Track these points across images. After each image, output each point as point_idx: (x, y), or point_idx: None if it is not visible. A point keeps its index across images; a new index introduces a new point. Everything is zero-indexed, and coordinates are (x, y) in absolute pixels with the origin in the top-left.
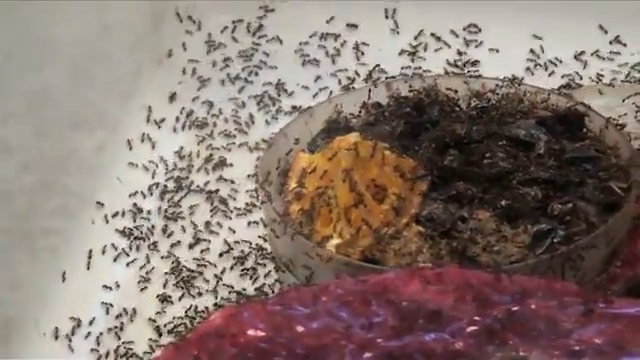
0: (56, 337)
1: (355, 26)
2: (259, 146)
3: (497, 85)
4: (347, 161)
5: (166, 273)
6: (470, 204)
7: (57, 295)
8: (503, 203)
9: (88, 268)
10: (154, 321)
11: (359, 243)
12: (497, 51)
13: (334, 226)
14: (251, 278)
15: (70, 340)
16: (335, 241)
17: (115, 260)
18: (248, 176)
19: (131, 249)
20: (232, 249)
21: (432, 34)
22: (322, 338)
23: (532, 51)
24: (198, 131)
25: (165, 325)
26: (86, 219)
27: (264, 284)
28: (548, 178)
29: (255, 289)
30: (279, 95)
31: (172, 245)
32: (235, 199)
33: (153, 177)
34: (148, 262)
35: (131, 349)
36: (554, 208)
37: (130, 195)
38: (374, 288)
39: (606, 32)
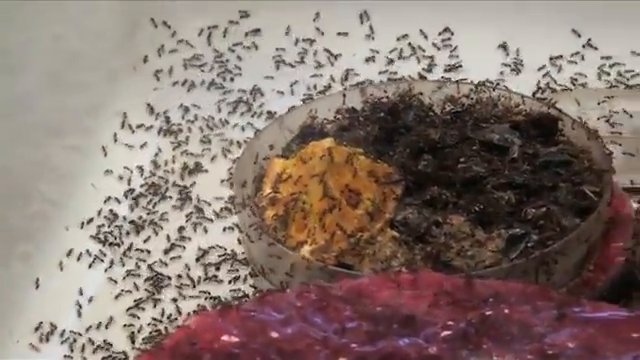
0: (30, 344)
1: (330, 31)
2: (234, 152)
3: (471, 90)
4: (321, 166)
5: (141, 279)
6: (444, 209)
7: (31, 301)
8: (477, 208)
9: (62, 274)
10: (129, 327)
11: (333, 248)
12: (471, 55)
13: (308, 231)
14: (226, 283)
15: (44, 347)
16: (309, 246)
17: (90, 266)
18: (223, 181)
19: (105, 255)
20: (207, 254)
21: (406, 39)
22: (296, 343)
23: (506, 55)
24: (173, 137)
25: (140, 331)
26: (60, 225)
27: (239, 290)
28: (522, 182)
29: (230, 295)
30: (254, 100)
31: (147, 251)
32: (210, 205)
33: (128, 183)
34: (123, 268)
35: (105, 356)
36: (528, 212)
37: (105, 201)
38: (348, 293)
39: (579, 36)
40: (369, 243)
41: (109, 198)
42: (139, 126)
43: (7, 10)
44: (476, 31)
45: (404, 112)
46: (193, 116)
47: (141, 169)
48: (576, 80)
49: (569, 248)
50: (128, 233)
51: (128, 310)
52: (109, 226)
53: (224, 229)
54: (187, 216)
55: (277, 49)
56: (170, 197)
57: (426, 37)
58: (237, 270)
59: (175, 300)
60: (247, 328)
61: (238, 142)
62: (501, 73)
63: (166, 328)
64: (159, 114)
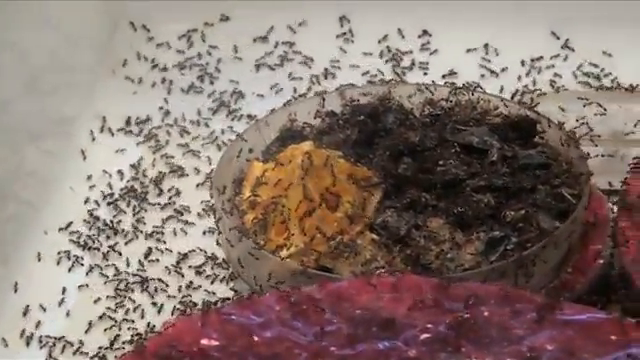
0: (6, 345)
1: (310, 34)
2: (214, 155)
3: (450, 92)
4: (300, 170)
5: (120, 283)
6: (424, 212)
7: (9, 306)
8: (456, 210)
9: (41, 278)
10: (109, 331)
11: (313, 251)
12: (450, 58)
13: (288, 235)
14: (206, 287)
15: (23, 350)
16: (289, 250)
17: (69, 270)
18: (202, 185)
19: (85, 259)
20: (187, 258)
21: (386, 41)
22: (276, 347)
23: (485, 58)
24: (153, 140)
25: (119, 335)
26: (39, 229)
27: (218, 293)
28: (501, 185)
29: (209, 298)
30: (234, 103)
31: (126, 255)
32: (190, 208)
33: (107, 187)
34: (102, 272)
35: None
36: (507, 215)
37: (84, 204)
38: (328, 296)
39: (558, 38)
40: (349, 246)
41: (88, 202)
42: (118, 130)
43: None
44: (455, 34)
45: (383, 115)
46: (173, 119)
47: (120, 173)
48: (555, 82)
49: (548, 250)
50: (108, 237)
51: (108, 314)
52: (88, 230)
53: (204, 232)
54: (167, 219)
55: (257, 52)
56: (150, 201)
57: (405, 40)
58: (217, 273)
59: (155, 304)
60: (227, 332)
61: (218, 145)
62: (482, 76)
63: (146, 332)
64: (139, 118)
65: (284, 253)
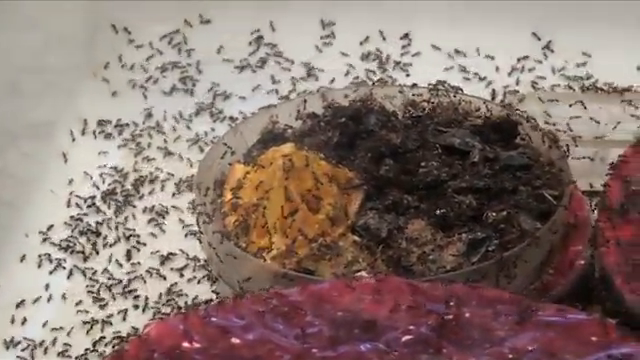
0: None
1: (292, 37)
2: (196, 157)
3: (432, 94)
4: (282, 172)
5: (102, 285)
6: (405, 213)
7: None
8: (438, 212)
9: (22, 281)
10: (91, 334)
11: (295, 254)
12: (432, 60)
13: (270, 237)
14: (188, 289)
15: (5, 354)
16: (271, 252)
17: (50, 273)
18: (184, 187)
19: (66, 261)
20: (169, 260)
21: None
22: (257, 349)
23: (467, 59)
24: (134, 143)
25: (101, 338)
26: (20, 231)
27: (200, 295)
28: (482, 186)
29: (191, 300)
30: (216, 105)
31: (108, 257)
32: (172, 210)
33: (88, 189)
34: (83, 274)
35: None
36: (488, 216)
37: (65, 207)
38: (310, 298)
39: (539, 39)
40: (330, 248)
41: (69, 204)
42: (100, 132)
43: None
44: (437, 36)
45: (365, 117)
46: (154, 122)
47: (102, 175)
48: (536, 83)
49: (529, 252)
50: (89, 239)
51: (89, 317)
52: (69, 232)
53: (186, 235)
54: (148, 222)
55: (238, 54)
56: (131, 203)
57: (387, 41)
58: (199, 275)
59: (137, 306)
60: (208, 334)
61: (200, 147)
62: (464, 78)
63: (128, 334)
64: (120, 120)
65: (266, 255)
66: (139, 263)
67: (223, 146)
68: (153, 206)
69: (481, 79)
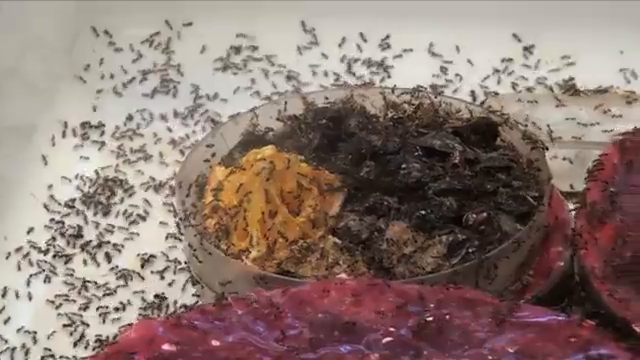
0: None
1: (273, 39)
2: (177, 159)
3: (413, 96)
4: (263, 174)
5: (82, 288)
6: (386, 215)
7: None
8: (419, 214)
9: (2, 284)
10: (71, 336)
11: (275, 256)
12: (413, 61)
13: (250, 239)
14: (168, 292)
15: None
16: (252, 254)
17: (31, 276)
18: (164, 190)
19: (47, 264)
20: (149, 263)
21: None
22: (237, 351)
23: (447, 61)
24: (115, 145)
25: (81, 339)
26: None
27: (181, 298)
28: (463, 188)
29: (172, 303)
30: (197, 108)
31: (88, 259)
32: (152, 213)
33: (68, 192)
34: (63, 277)
35: None
36: (469, 218)
37: (45, 210)
38: (290, 301)
39: (520, 40)
40: (311, 250)
41: (49, 207)
42: (80, 135)
43: None
44: (418, 38)
45: (346, 119)
46: (135, 124)
47: (82, 178)
48: (517, 85)
49: (509, 253)
50: (69, 242)
51: (70, 319)
52: (50, 235)
53: (167, 237)
54: (130, 224)
55: (220, 57)
56: (111, 206)
57: (368, 43)
58: (179, 278)
59: (117, 309)
60: (188, 337)
61: (181, 150)
62: (445, 80)
63: (108, 337)
64: (101, 123)
65: (246, 258)
66: (119, 266)
67: (204, 148)
68: (134, 209)
69: (462, 81)
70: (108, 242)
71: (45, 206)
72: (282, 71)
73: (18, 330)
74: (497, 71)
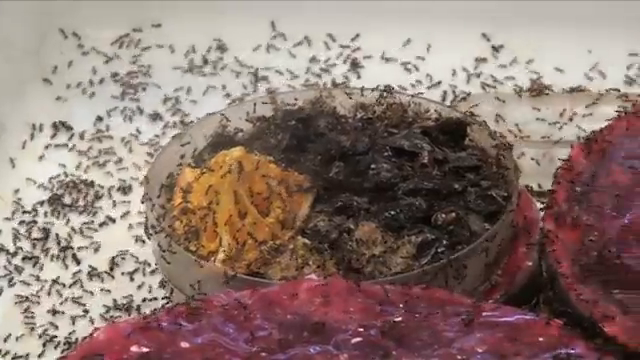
0: None
1: (242, 40)
2: (146, 161)
3: (381, 96)
4: (231, 175)
5: (51, 291)
6: (356, 215)
7: None
8: (388, 214)
9: None
10: (40, 339)
11: (245, 257)
12: (382, 61)
13: (220, 241)
14: (138, 293)
15: None
16: (221, 256)
17: None
18: (133, 191)
19: (15, 267)
20: (119, 265)
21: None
22: (207, 353)
23: (417, 61)
24: (84, 147)
25: (50, 343)
26: None
27: (150, 300)
28: (432, 188)
29: (141, 304)
30: (166, 109)
31: (57, 262)
32: (122, 214)
33: (36, 194)
34: (32, 280)
35: None
36: (438, 218)
37: (12, 214)
38: (259, 301)
39: (489, 40)
40: (280, 251)
41: (17, 211)
42: (49, 138)
43: None
44: (385, 37)
45: (315, 119)
46: (104, 126)
47: (50, 180)
48: (486, 84)
49: (478, 253)
50: (36, 245)
51: (38, 322)
52: (17, 238)
53: (136, 239)
54: (99, 226)
55: (189, 58)
56: (80, 208)
57: (337, 43)
58: (149, 280)
59: (87, 311)
60: (157, 339)
61: (150, 152)
62: (415, 81)
63: (77, 339)
64: (69, 125)
65: (216, 259)
66: (88, 268)
67: (173, 150)
68: (103, 210)
69: (431, 81)
70: (77, 244)
71: (12, 209)
72: (251, 72)
73: None
74: (466, 71)
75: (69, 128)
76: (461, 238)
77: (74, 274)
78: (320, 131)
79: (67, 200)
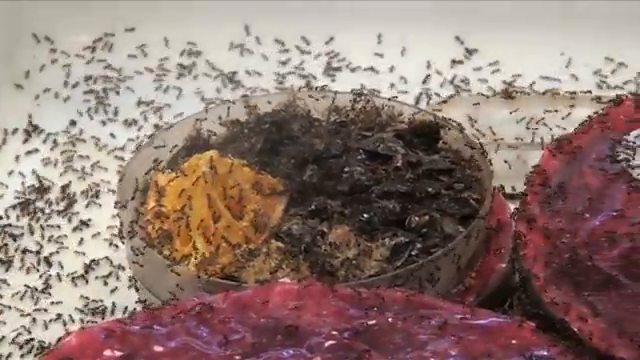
0: None
1: (217, 43)
2: (120, 164)
3: (355, 99)
4: (205, 179)
5: (26, 294)
6: (329, 219)
7: None
8: (362, 217)
9: None
10: (13, 344)
11: (218, 261)
12: (356, 64)
13: (193, 244)
14: (111, 297)
15: None
16: (194, 259)
17: None
18: (107, 195)
19: None
20: (93, 269)
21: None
22: (180, 356)
23: (391, 64)
24: (57, 153)
25: (23, 347)
26: None
27: (124, 303)
28: (405, 191)
29: (114, 308)
30: (140, 113)
31: (31, 265)
32: (95, 218)
33: (10, 198)
34: (5, 283)
35: None
36: (412, 221)
37: None
38: (233, 305)
39: (462, 43)
40: (254, 255)
41: None
42: (22, 142)
43: None
44: (360, 40)
45: (288, 123)
46: (78, 130)
47: (23, 184)
48: (459, 87)
49: (452, 255)
50: (9, 249)
51: (11, 326)
52: None
53: (110, 243)
54: (73, 230)
55: (162, 62)
56: (54, 212)
57: (311, 46)
58: (123, 284)
59: (59, 315)
60: (130, 343)
61: (123, 156)
62: (389, 84)
63: (50, 344)
64: (42, 130)
65: (189, 263)
66: (62, 272)
67: (147, 153)
68: (77, 214)
69: (405, 83)
70: (51, 249)
71: None
72: (225, 75)
73: None
74: (440, 73)
75: (42, 132)
76: (435, 241)
77: (47, 279)
78: (294, 134)
79: (40, 204)
